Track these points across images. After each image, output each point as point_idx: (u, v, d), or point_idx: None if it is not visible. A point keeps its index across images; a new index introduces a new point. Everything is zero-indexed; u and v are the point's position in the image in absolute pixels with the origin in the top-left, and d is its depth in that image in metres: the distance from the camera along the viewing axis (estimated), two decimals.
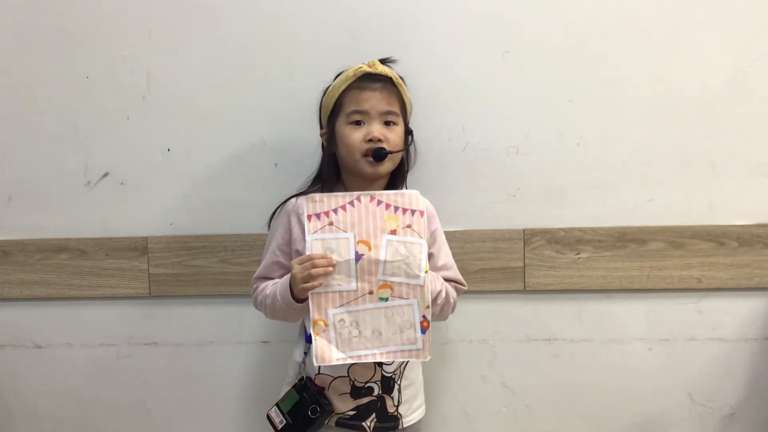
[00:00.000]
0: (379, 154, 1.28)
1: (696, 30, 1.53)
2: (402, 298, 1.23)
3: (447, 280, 1.35)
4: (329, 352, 1.23)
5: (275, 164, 1.59)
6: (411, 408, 1.36)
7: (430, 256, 1.33)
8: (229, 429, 1.64)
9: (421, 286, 1.22)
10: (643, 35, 1.53)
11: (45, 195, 1.63)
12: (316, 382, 1.32)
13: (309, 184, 1.40)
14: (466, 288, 1.39)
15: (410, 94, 1.44)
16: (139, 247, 1.61)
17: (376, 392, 1.32)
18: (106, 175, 1.62)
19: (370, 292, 1.23)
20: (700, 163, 1.55)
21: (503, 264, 1.56)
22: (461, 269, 1.41)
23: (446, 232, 1.44)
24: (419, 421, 1.38)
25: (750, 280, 1.54)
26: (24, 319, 1.66)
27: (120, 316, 1.64)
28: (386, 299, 1.23)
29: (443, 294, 1.30)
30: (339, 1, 1.56)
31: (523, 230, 1.56)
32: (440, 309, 1.31)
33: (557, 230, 1.56)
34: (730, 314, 1.56)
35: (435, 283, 1.29)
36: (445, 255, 1.38)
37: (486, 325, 1.60)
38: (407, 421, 1.35)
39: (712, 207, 1.55)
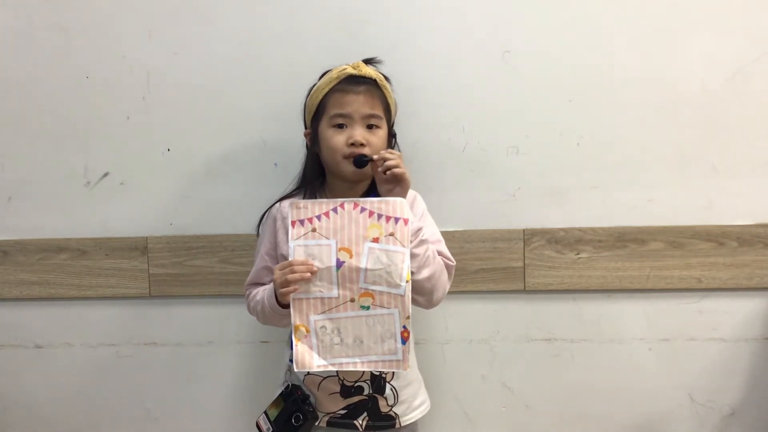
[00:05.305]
0: (359, 162, 1.27)
1: (696, 30, 1.53)
2: (383, 307, 1.22)
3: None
4: (310, 359, 1.23)
5: (275, 164, 1.59)
6: (410, 407, 1.37)
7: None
8: (229, 428, 1.64)
9: (402, 295, 1.21)
10: (643, 35, 1.53)
11: (45, 195, 1.63)
12: (306, 382, 1.34)
13: (294, 185, 1.41)
14: (454, 264, 1.35)
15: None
16: (139, 247, 1.61)
17: (366, 391, 1.33)
18: (106, 175, 1.62)
19: (352, 300, 1.22)
20: (700, 163, 1.55)
21: (503, 264, 1.56)
22: (461, 269, 1.41)
23: (446, 232, 1.44)
24: (415, 423, 1.38)
25: (750, 280, 1.54)
26: (24, 319, 1.66)
27: (120, 316, 1.64)
28: (367, 308, 1.22)
29: (425, 244, 1.26)
30: (338, 1, 1.56)
31: (523, 230, 1.56)
32: (430, 274, 1.26)
33: (557, 230, 1.56)
34: (730, 314, 1.56)
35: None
36: (432, 233, 1.35)
37: (486, 325, 1.60)
38: (406, 420, 1.36)
39: (712, 207, 1.55)
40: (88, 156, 1.62)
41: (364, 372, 1.31)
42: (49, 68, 1.61)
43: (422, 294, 1.28)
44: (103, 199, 1.62)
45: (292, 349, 1.29)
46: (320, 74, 1.36)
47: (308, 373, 1.31)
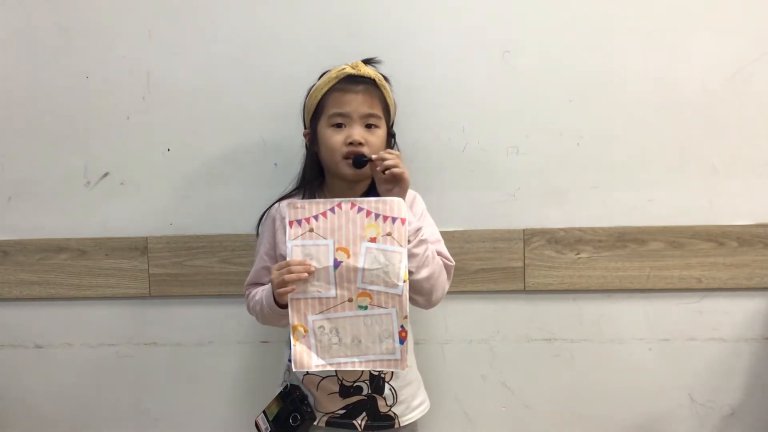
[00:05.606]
0: (358, 162, 1.26)
1: (696, 30, 1.53)
2: (381, 306, 1.21)
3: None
4: (308, 359, 1.23)
5: (275, 164, 1.59)
6: (409, 407, 1.37)
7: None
8: (229, 428, 1.64)
9: (399, 295, 1.20)
10: (643, 35, 1.53)
11: (45, 195, 1.63)
12: (305, 382, 1.34)
13: (294, 185, 1.41)
14: (453, 264, 1.34)
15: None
16: (139, 247, 1.61)
17: (365, 391, 1.33)
18: (106, 175, 1.62)
19: (350, 300, 1.22)
20: (700, 163, 1.55)
21: (503, 264, 1.56)
22: (461, 269, 1.40)
23: (446, 232, 1.44)
24: (414, 423, 1.38)
25: (750, 280, 1.54)
26: (24, 319, 1.66)
27: (120, 316, 1.64)
28: (365, 307, 1.22)
29: (424, 244, 1.25)
30: (338, 1, 1.56)
31: (523, 230, 1.56)
32: (429, 274, 1.25)
33: (557, 230, 1.56)
34: (730, 314, 1.56)
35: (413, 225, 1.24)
36: (431, 233, 1.34)
37: (486, 325, 1.60)
38: (405, 420, 1.36)
39: (712, 207, 1.55)
40: (88, 156, 1.62)
41: (363, 372, 1.31)
42: (49, 68, 1.61)
43: (421, 294, 1.28)
44: (103, 199, 1.62)
45: (291, 349, 1.29)
46: (320, 74, 1.36)
47: (307, 373, 1.31)
